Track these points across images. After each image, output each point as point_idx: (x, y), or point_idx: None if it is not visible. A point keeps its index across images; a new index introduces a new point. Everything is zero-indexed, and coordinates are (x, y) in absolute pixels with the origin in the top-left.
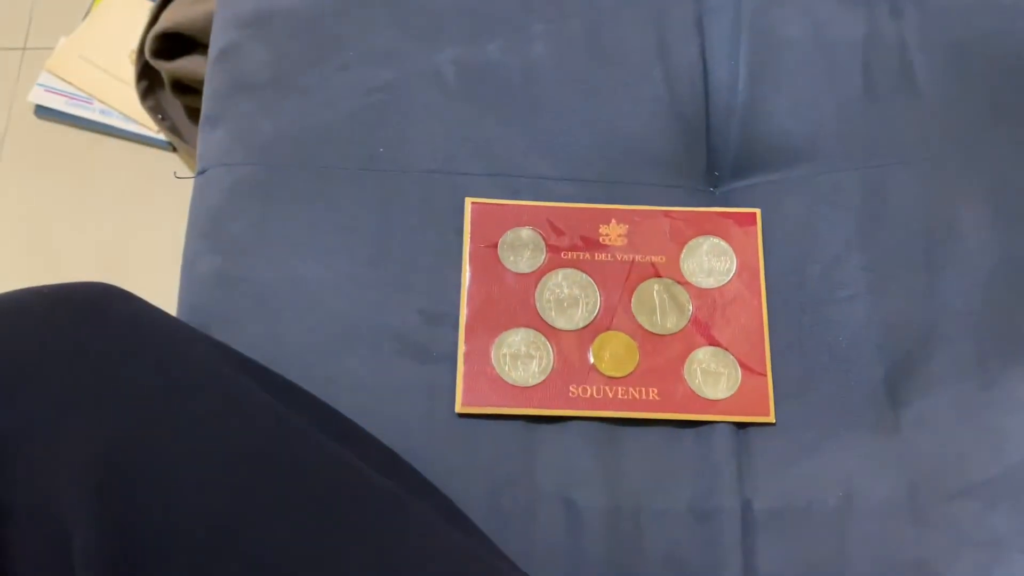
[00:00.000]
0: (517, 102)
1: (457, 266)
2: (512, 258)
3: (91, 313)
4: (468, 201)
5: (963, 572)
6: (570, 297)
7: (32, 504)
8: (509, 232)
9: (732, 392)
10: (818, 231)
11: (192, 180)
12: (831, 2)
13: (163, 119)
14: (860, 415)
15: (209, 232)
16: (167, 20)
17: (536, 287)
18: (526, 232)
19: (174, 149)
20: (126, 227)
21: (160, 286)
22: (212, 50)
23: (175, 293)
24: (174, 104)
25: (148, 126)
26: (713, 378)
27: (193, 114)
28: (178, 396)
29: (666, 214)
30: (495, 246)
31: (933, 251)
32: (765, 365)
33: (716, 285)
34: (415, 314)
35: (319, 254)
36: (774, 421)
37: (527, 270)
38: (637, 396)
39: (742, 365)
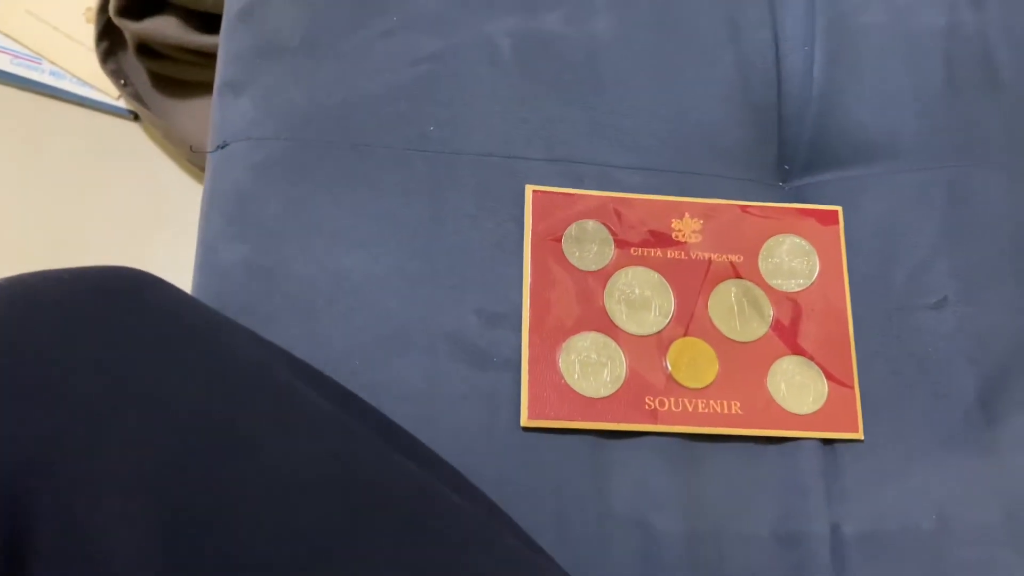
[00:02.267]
0: (579, 81)
1: (517, 261)
2: (578, 253)
3: (124, 301)
4: (529, 189)
5: None
6: (642, 298)
7: (67, 535)
8: (574, 224)
9: (819, 406)
10: (901, 233)
11: (161, 155)
12: None
13: (126, 84)
14: (953, 432)
15: (234, 216)
16: None
17: (605, 287)
18: (592, 224)
19: (136, 118)
20: (82, 201)
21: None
22: (231, 6)
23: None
24: (137, 69)
25: (106, 91)
26: (798, 390)
27: (158, 81)
28: (238, 402)
29: (743, 209)
30: (559, 239)
31: (1022, 258)
32: (852, 377)
33: (798, 288)
34: (472, 314)
35: (363, 244)
36: (863, 438)
37: (594, 267)
38: (718, 410)
39: (828, 376)
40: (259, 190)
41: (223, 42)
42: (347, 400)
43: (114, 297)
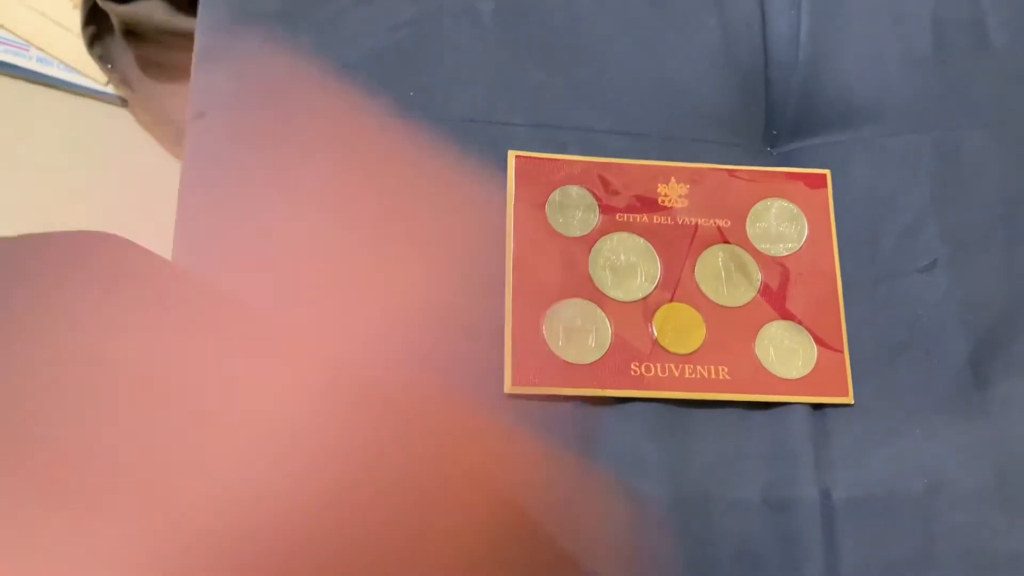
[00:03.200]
0: (561, 46)
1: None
2: (561, 220)
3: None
4: (512, 155)
5: None
6: (627, 264)
7: None
8: (558, 190)
9: (808, 370)
10: (890, 196)
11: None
12: None
13: (112, 69)
14: (944, 396)
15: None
16: None
17: (589, 253)
18: (576, 190)
19: (124, 103)
20: (68, 189)
21: None
22: None
23: None
24: (124, 53)
25: (93, 77)
26: (787, 355)
27: (146, 65)
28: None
29: (731, 173)
30: (542, 206)
31: (1013, 220)
32: (842, 341)
33: (786, 253)
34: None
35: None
36: (852, 402)
37: (578, 234)
38: (706, 375)
39: (817, 341)
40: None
41: (201, 10)
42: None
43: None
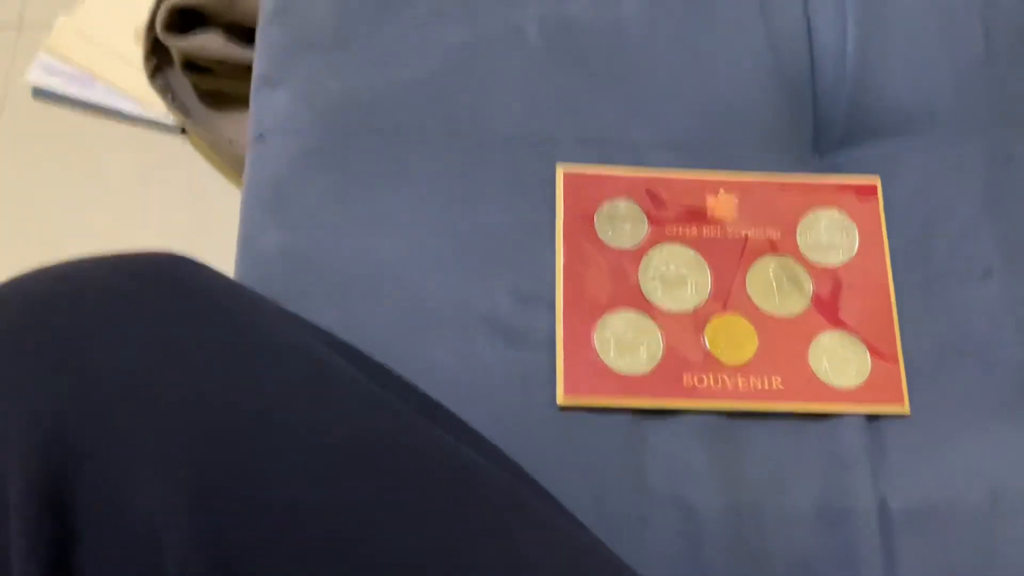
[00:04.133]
0: (607, 63)
1: (550, 241)
2: (611, 232)
3: (163, 282)
4: (560, 169)
5: None
6: (677, 276)
7: (109, 514)
8: (606, 203)
9: (862, 380)
10: (941, 203)
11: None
12: None
13: (173, 99)
14: (1002, 404)
15: (272, 204)
16: None
17: (639, 265)
18: (624, 203)
19: (184, 131)
20: (134, 214)
21: None
22: (266, 4)
23: None
24: (184, 84)
25: (155, 107)
26: (841, 364)
27: (204, 95)
28: (275, 377)
29: (779, 184)
30: (591, 219)
31: None
32: (896, 350)
33: (838, 262)
34: (507, 295)
35: (398, 229)
36: (908, 412)
37: (628, 246)
38: (759, 385)
39: (871, 350)
40: (297, 179)
41: (259, 39)
42: (386, 377)
43: (153, 279)
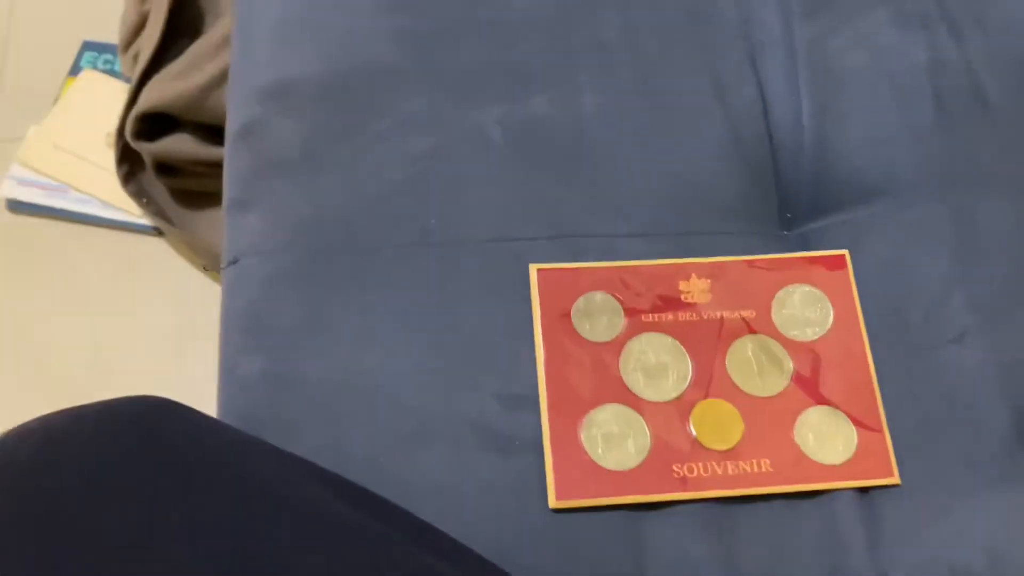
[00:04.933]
0: (571, 158)
1: (529, 341)
2: (588, 326)
3: (147, 435)
4: (533, 268)
5: None
6: (658, 365)
7: None
8: (581, 298)
9: (850, 454)
10: (911, 270)
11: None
12: (887, 28)
13: (147, 203)
14: (992, 466)
15: (249, 329)
16: (148, 99)
17: (619, 357)
18: (600, 296)
19: (160, 233)
20: (116, 321)
21: (159, 383)
22: (231, 127)
23: (180, 390)
24: (157, 186)
25: (130, 211)
26: (827, 440)
27: (178, 195)
28: (263, 523)
29: (749, 264)
30: (568, 315)
31: None
32: (880, 421)
33: (814, 337)
34: (492, 400)
35: (378, 343)
36: (899, 482)
37: (607, 338)
38: (749, 469)
39: (856, 423)
40: (272, 301)
41: (227, 162)
42: (374, 505)
43: (135, 431)
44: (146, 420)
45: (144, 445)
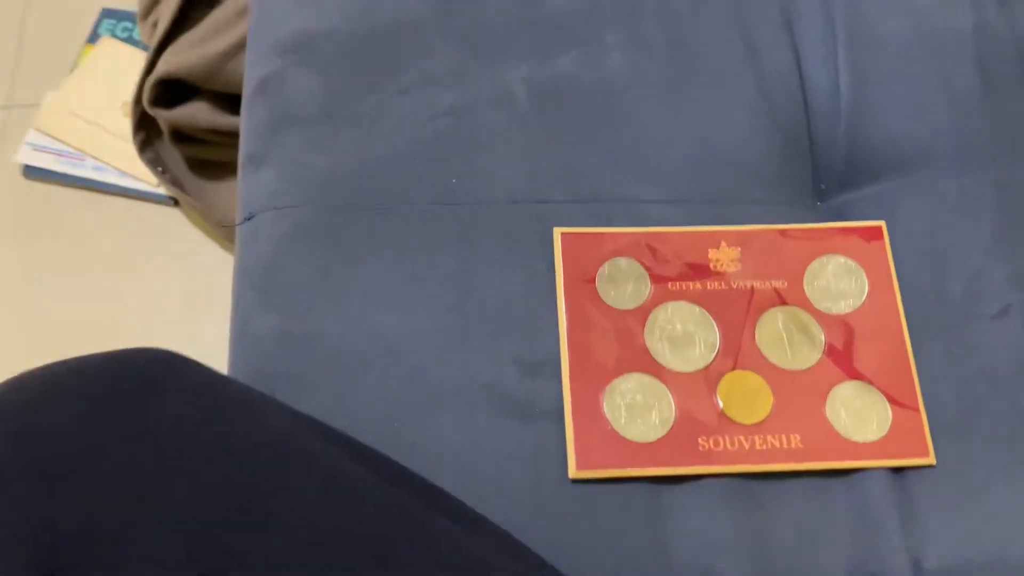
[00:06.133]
0: (598, 119)
1: (552, 306)
2: (613, 293)
3: (154, 385)
4: (557, 232)
5: None
6: (685, 334)
7: None
8: (606, 264)
9: (884, 432)
10: (950, 242)
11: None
12: None
13: (163, 172)
14: None
15: (264, 286)
16: (166, 66)
17: (644, 325)
18: (625, 262)
19: (176, 203)
20: (130, 289)
21: (171, 348)
22: (249, 81)
23: (192, 355)
24: (174, 155)
25: (146, 180)
26: (860, 417)
27: (194, 164)
28: (270, 480)
29: (782, 233)
30: (592, 281)
31: None
32: (916, 399)
33: (848, 310)
34: (511, 365)
35: (394, 304)
36: (934, 463)
37: (631, 306)
38: (777, 445)
39: (890, 400)
40: (287, 259)
41: (244, 117)
42: (383, 465)
43: (142, 380)
44: (150, 369)
45: (147, 392)
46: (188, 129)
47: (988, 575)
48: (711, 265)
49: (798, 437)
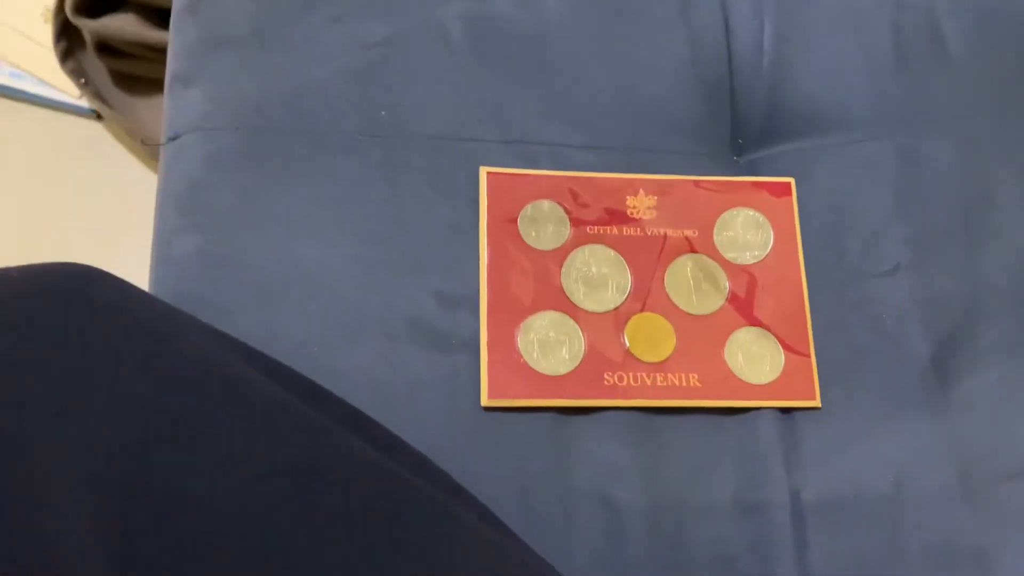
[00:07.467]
0: (530, 62)
1: (473, 243)
2: (534, 234)
3: (73, 299)
4: (483, 171)
5: (1021, 556)
6: (599, 276)
7: (9, 532)
8: (529, 205)
9: (776, 375)
10: (853, 203)
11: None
12: None
13: (86, 83)
14: (908, 397)
15: (187, 207)
16: None
17: (562, 266)
18: (547, 205)
19: (99, 117)
20: (47, 204)
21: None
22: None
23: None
24: (98, 67)
25: (67, 91)
26: (756, 360)
27: (120, 79)
28: (190, 396)
29: (696, 184)
30: (515, 221)
31: (972, 224)
32: (809, 346)
33: (753, 261)
34: (430, 297)
35: (318, 231)
36: (820, 405)
37: (551, 247)
38: (677, 383)
39: (785, 346)
40: (212, 181)
41: (172, 35)
42: (304, 388)
43: (61, 294)
44: (69, 284)
45: (69, 307)
46: (114, 42)
47: (855, 505)
48: (628, 211)
49: (696, 376)
